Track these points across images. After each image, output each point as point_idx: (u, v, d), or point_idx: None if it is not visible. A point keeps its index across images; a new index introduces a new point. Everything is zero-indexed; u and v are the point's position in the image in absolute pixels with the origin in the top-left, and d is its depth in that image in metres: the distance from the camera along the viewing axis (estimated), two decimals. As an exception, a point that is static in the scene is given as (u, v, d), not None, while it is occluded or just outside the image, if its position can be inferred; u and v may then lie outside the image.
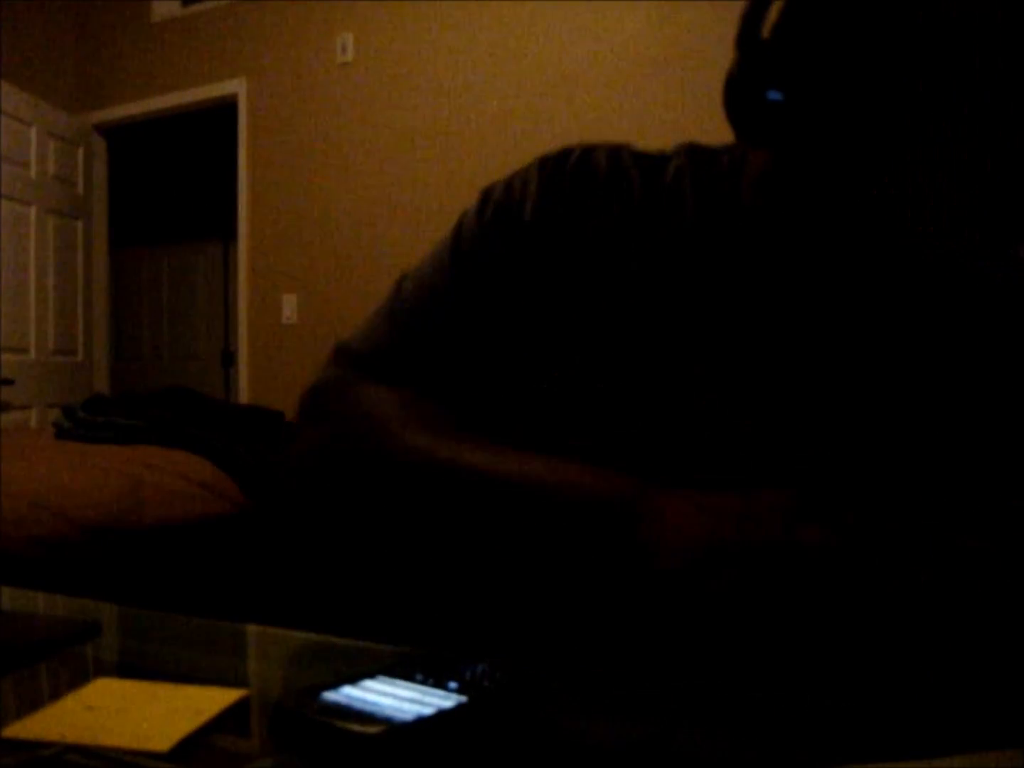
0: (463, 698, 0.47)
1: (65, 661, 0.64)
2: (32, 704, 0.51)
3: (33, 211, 4.16)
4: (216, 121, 4.53)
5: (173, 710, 0.50)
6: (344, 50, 3.94)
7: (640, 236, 0.69)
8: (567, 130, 3.32)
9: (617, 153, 0.72)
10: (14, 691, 0.59)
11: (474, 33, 3.65)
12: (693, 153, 0.72)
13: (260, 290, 4.19)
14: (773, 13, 0.58)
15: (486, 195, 0.74)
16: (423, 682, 0.49)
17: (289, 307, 4.08)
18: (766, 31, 0.56)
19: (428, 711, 0.45)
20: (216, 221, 5.46)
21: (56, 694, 0.53)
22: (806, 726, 0.53)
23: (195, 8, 4.38)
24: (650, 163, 0.72)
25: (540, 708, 0.52)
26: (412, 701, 0.46)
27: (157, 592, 1.93)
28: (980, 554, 0.66)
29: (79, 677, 0.61)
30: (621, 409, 0.69)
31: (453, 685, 0.48)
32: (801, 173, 0.57)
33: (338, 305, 3.89)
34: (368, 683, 0.48)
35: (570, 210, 0.70)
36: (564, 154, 0.73)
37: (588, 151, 0.72)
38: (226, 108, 4.29)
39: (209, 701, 0.51)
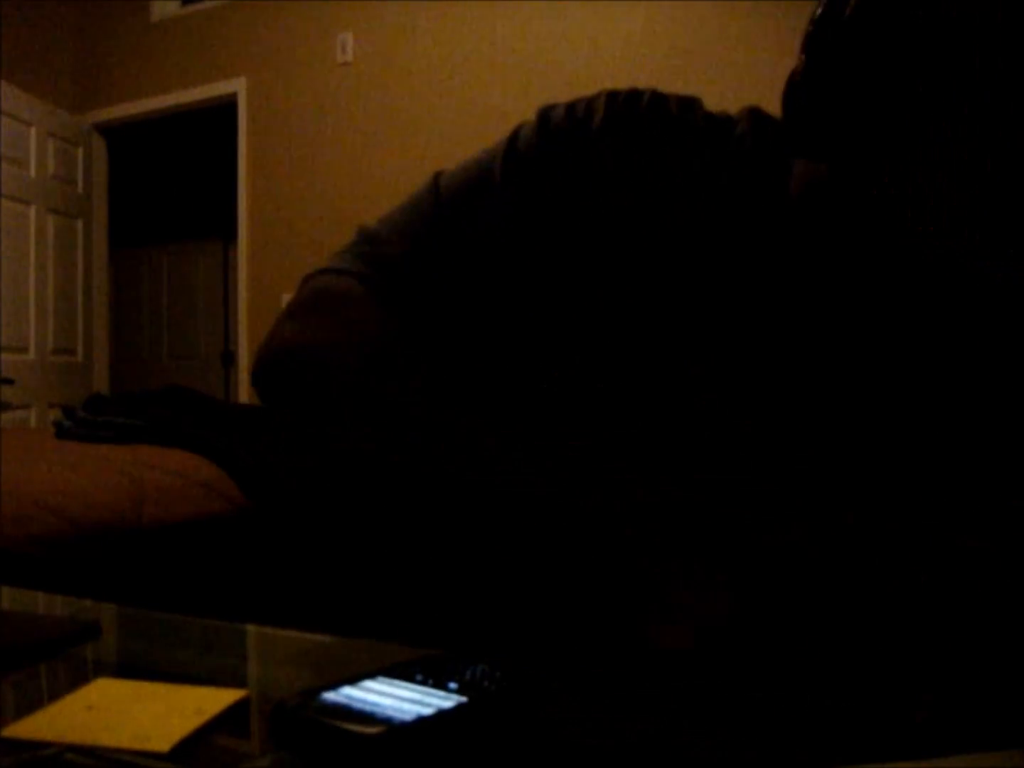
0: (463, 698, 0.47)
1: (65, 661, 0.64)
2: (32, 704, 0.51)
3: (33, 211, 4.16)
4: (216, 121, 4.53)
5: (173, 710, 0.50)
6: (344, 50, 3.94)
7: (695, 188, 0.66)
8: (567, 130, 3.32)
9: (690, 105, 0.69)
10: (14, 691, 0.59)
11: (474, 33, 3.65)
12: (757, 121, 0.68)
13: (260, 290, 4.19)
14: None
15: (545, 113, 0.71)
16: (423, 683, 0.49)
17: (289, 307, 4.08)
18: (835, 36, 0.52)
19: (428, 711, 0.45)
20: (216, 221, 5.46)
21: (56, 694, 0.52)
22: (806, 726, 0.53)
23: (195, 8, 4.38)
24: (718, 122, 0.69)
25: (540, 708, 0.52)
26: (412, 701, 0.46)
27: (157, 592, 1.93)
28: (980, 554, 0.66)
29: (79, 677, 0.61)
30: (624, 400, 0.68)
31: (453, 685, 0.48)
32: (858, 192, 0.54)
33: (338, 305, 3.89)
34: (368, 683, 0.48)
35: (636, 148, 0.66)
36: (635, 93, 0.69)
37: (661, 96, 0.69)
38: (226, 108, 4.29)
39: (209, 701, 0.51)
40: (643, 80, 3.43)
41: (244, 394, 4.25)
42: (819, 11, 0.52)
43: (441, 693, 0.47)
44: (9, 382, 3.88)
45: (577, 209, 0.66)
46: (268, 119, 4.16)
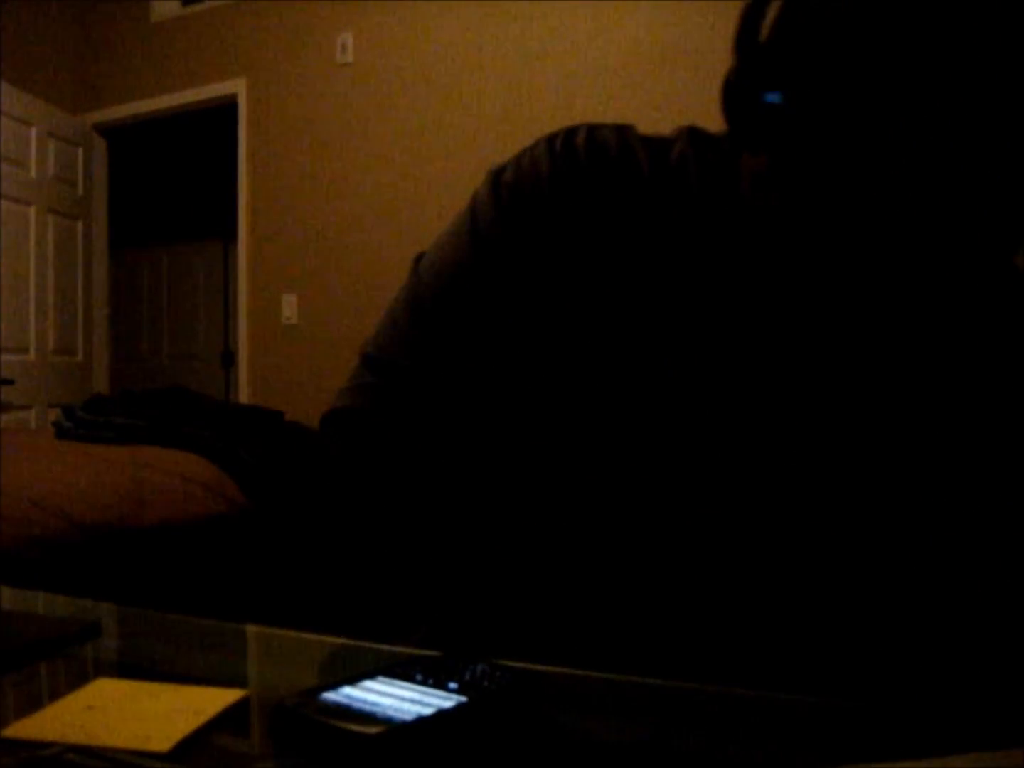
0: (463, 698, 0.47)
1: (65, 661, 0.64)
2: (32, 704, 0.51)
3: (33, 211, 4.16)
4: (216, 121, 4.53)
5: (173, 710, 0.50)
6: (344, 50, 3.94)
7: (649, 216, 0.68)
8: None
9: (624, 131, 0.72)
10: (14, 691, 0.59)
11: (474, 33, 3.65)
12: (695, 138, 0.71)
13: (260, 290, 4.19)
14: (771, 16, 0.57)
15: (496, 177, 0.73)
16: (423, 682, 0.49)
17: (289, 307, 4.09)
18: (764, 33, 0.56)
19: (428, 711, 0.45)
20: (216, 221, 5.46)
21: (56, 694, 0.52)
22: (806, 726, 0.53)
23: (195, 8, 4.38)
24: (655, 144, 0.71)
25: (540, 708, 0.52)
26: (412, 701, 0.46)
27: (157, 592, 1.93)
28: (971, 552, 0.67)
29: (79, 677, 0.61)
30: (622, 405, 0.68)
31: (453, 685, 0.48)
32: (795, 178, 0.57)
33: (338, 305, 3.89)
34: (368, 683, 0.48)
35: (586, 186, 0.68)
36: (571, 131, 0.71)
37: (594, 128, 0.71)
38: (226, 108, 4.29)
39: (209, 701, 0.51)
40: (643, 80, 3.44)
41: (244, 394, 4.26)
42: (742, 19, 0.57)
43: (441, 693, 0.47)
44: (9, 382, 3.88)
45: (552, 273, 0.68)
46: (268, 119, 4.16)
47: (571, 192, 0.69)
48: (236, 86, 4.22)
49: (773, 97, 0.54)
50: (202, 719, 0.48)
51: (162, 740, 0.45)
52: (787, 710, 0.55)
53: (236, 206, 4.25)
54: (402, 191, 3.73)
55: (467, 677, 0.50)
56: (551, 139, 0.72)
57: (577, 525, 0.69)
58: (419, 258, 0.76)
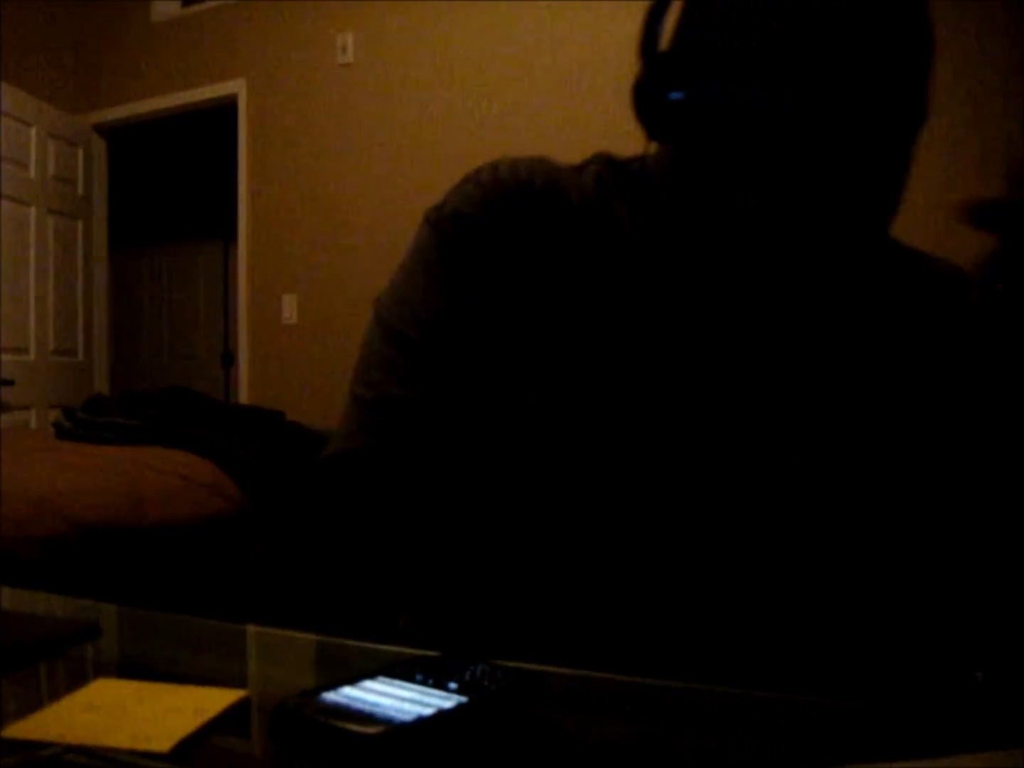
0: (463, 699, 0.47)
1: (65, 661, 0.64)
2: (32, 704, 0.51)
3: (33, 211, 4.16)
4: (216, 121, 4.53)
5: (173, 710, 0.50)
6: (344, 51, 3.94)
7: (582, 238, 0.74)
8: (567, 130, 3.32)
9: (541, 161, 0.78)
10: (14, 691, 0.59)
11: (474, 33, 3.65)
12: (606, 160, 0.79)
13: (260, 290, 4.19)
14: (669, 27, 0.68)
15: (434, 216, 0.77)
16: (423, 683, 0.49)
17: (289, 307, 4.09)
18: (664, 42, 0.67)
19: (428, 711, 0.45)
20: (216, 221, 5.46)
21: (56, 694, 0.53)
22: (806, 726, 0.53)
23: (195, 8, 4.38)
24: (571, 169, 0.78)
25: (540, 708, 0.52)
26: (412, 702, 0.46)
27: (157, 592, 1.93)
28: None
29: (79, 677, 0.61)
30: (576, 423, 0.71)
31: (453, 686, 0.49)
32: (699, 162, 0.66)
33: (338, 305, 3.89)
34: (368, 684, 0.48)
35: (518, 218, 0.74)
36: (492, 166, 0.77)
37: (514, 161, 0.77)
38: (226, 108, 4.29)
39: (209, 701, 0.51)
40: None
41: (244, 394, 4.26)
42: (643, 30, 0.68)
43: (441, 693, 0.47)
44: (9, 383, 3.88)
45: (504, 297, 0.73)
46: (268, 120, 4.16)
47: (505, 219, 0.74)
48: (236, 86, 4.22)
49: (676, 95, 0.64)
50: (202, 719, 0.48)
51: (162, 740, 0.45)
52: (787, 710, 0.55)
53: (236, 206, 4.25)
54: (402, 190, 3.73)
55: (467, 677, 0.50)
56: (477, 175, 0.77)
57: (562, 527, 0.70)
58: (378, 300, 0.80)
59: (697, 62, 0.64)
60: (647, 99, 0.67)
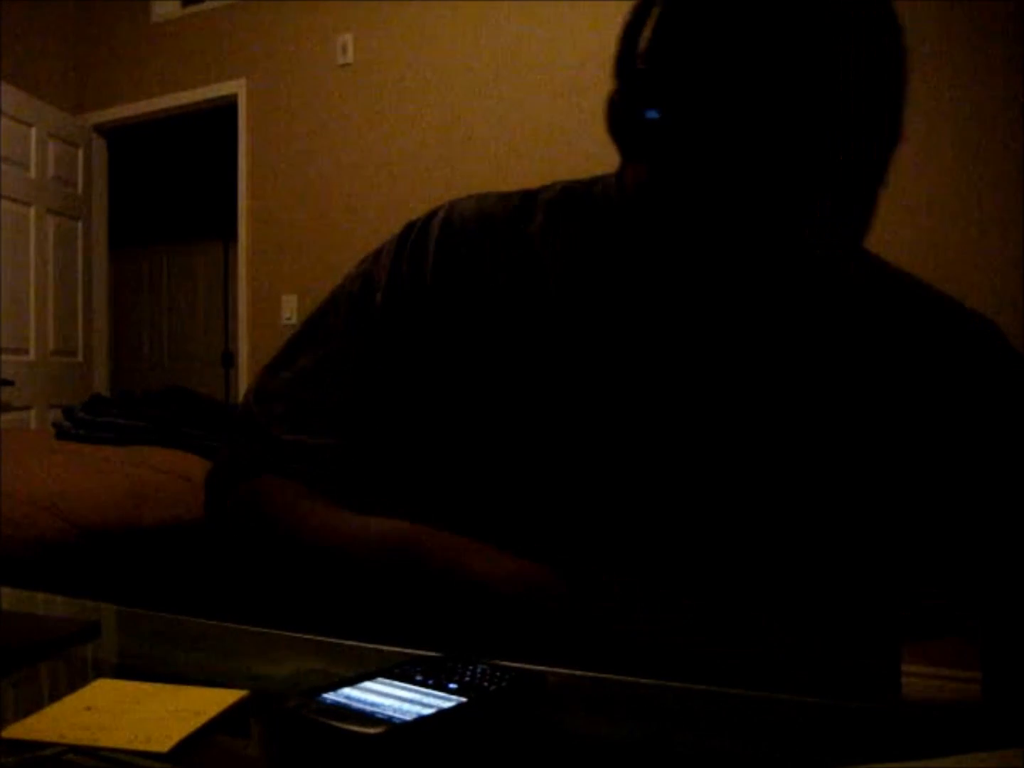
0: (463, 699, 0.47)
1: (65, 661, 0.64)
2: (32, 704, 0.51)
3: (33, 211, 4.16)
4: (216, 121, 4.53)
5: (173, 710, 0.50)
6: (344, 51, 3.94)
7: (523, 267, 0.76)
8: (567, 130, 3.32)
9: (482, 198, 0.81)
10: (14, 691, 0.59)
11: (474, 34, 3.65)
12: (562, 187, 0.80)
13: (260, 290, 4.19)
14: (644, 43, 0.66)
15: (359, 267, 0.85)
16: (422, 683, 0.49)
17: (289, 307, 4.08)
18: (640, 61, 0.65)
19: (428, 711, 0.45)
20: (216, 221, 5.46)
21: (56, 694, 0.53)
22: (806, 726, 0.53)
23: (195, 8, 4.38)
24: (515, 198, 0.80)
25: (540, 708, 0.52)
26: (412, 702, 0.46)
27: (157, 592, 1.93)
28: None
29: (79, 677, 0.61)
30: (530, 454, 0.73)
31: (452, 686, 0.49)
32: (674, 182, 0.65)
33: (338, 305, 3.89)
34: (368, 684, 0.49)
35: (458, 263, 0.77)
36: (428, 217, 0.81)
37: (451, 203, 0.81)
38: (226, 108, 4.29)
39: (209, 701, 0.51)
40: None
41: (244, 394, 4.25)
42: (619, 47, 0.67)
43: (441, 693, 0.48)
44: (9, 383, 3.88)
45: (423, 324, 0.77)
46: (268, 120, 4.16)
47: (449, 272, 0.77)
48: (236, 86, 4.22)
49: (652, 114, 0.63)
50: (202, 719, 0.48)
51: (162, 740, 0.45)
52: (787, 710, 0.55)
53: (236, 206, 4.25)
54: (402, 191, 3.73)
55: (467, 677, 0.50)
56: (410, 228, 0.82)
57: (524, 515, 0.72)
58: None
59: (675, 80, 0.63)
60: (622, 117, 0.67)
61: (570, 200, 0.79)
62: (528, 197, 0.80)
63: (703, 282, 0.68)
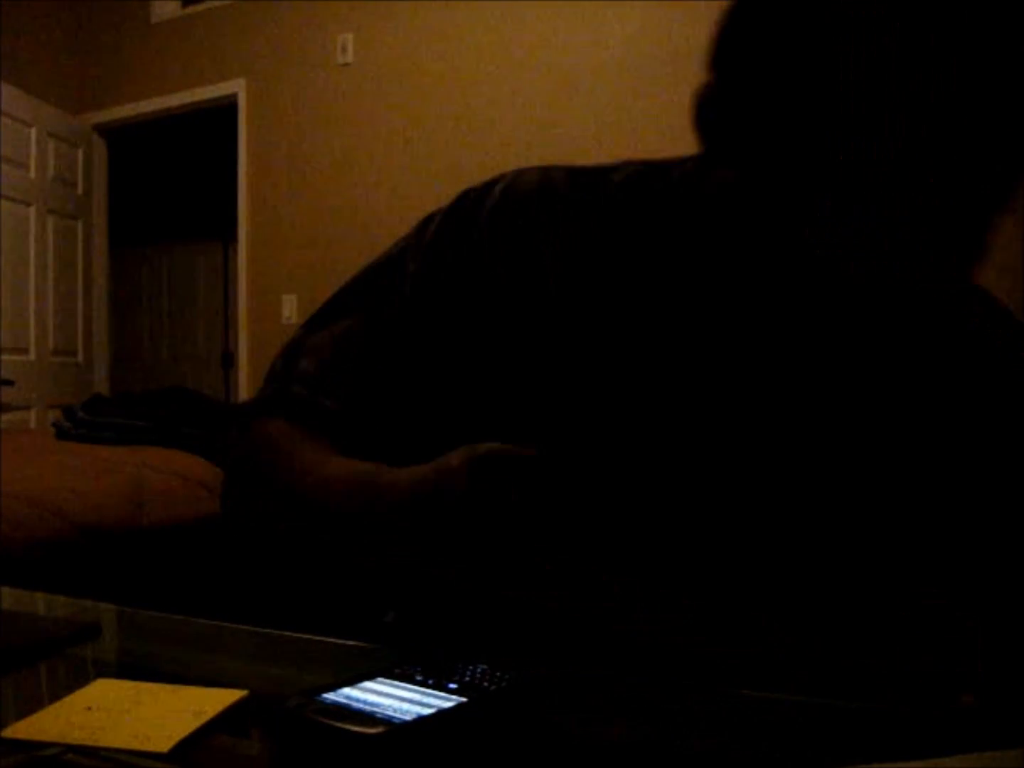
0: (463, 699, 0.47)
1: (65, 661, 0.64)
2: (32, 704, 0.51)
3: (33, 211, 4.16)
4: (216, 121, 4.53)
5: (173, 710, 0.50)
6: (344, 51, 3.94)
7: (608, 236, 0.72)
8: (567, 130, 3.32)
9: (548, 170, 0.76)
10: (14, 691, 0.59)
11: (474, 34, 3.65)
12: (639, 168, 0.75)
13: (260, 290, 4.19)
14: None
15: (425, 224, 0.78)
16: (422, 683, 0.49)
17: (289, 307, 4.08)
18: (742, 52, 0.59)
19: (428, 711, 0.45)
20: (216, 221, 5.45)
21: (56, 694, 0.53)
22: (806, 726, 0.53)
23: (195, 8, 4.38)
24: (585, 175, 0.76)
25: (540, 708, 0.52)
26: (412, 702, 0.46)
27: (157, 592, 1.93)
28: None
29: (79, 677, 0.61)
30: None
31: (452, 686, 0.49)
32: (768, 191, 0.60)
33: (338, 305, 3.89)
34: (367, 684, 0.49)
35: (514, 233, 0.73)
36: (489, 184, 0.76)
37: (516, 172, 0.76)
38: (226, 108, 4.29)
39: (209, 701, 0.51)
40: (643, 80, 3.43)
41: (244, 394, 4.26)
42: (721, 33, 0.61)
43: (441, 693, 0.48)
44: (9, 383, 3.88)
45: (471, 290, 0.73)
46: (268, 120, 4.16)
47: (508, 233, 0.73)
48: (236, 86, 4.22)
49: (749, 114, 0.57)
50: (202, 719, 0.48)
51: (162, 740, 0.46)
52: (787, 710, 0.55)
53: (236, 206, 4.25)
54: (402, 191, 3.73)
55: (467, 677, 0.50)
56: (507, 176, 0.76)
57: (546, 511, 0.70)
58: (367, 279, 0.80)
59: (782, 83, 0.56)
60: (715, 113, 0.61)
61: (645, 186, 0.74)
62: (599, 175, 0.76)
63: (790, 291, 0.64)
